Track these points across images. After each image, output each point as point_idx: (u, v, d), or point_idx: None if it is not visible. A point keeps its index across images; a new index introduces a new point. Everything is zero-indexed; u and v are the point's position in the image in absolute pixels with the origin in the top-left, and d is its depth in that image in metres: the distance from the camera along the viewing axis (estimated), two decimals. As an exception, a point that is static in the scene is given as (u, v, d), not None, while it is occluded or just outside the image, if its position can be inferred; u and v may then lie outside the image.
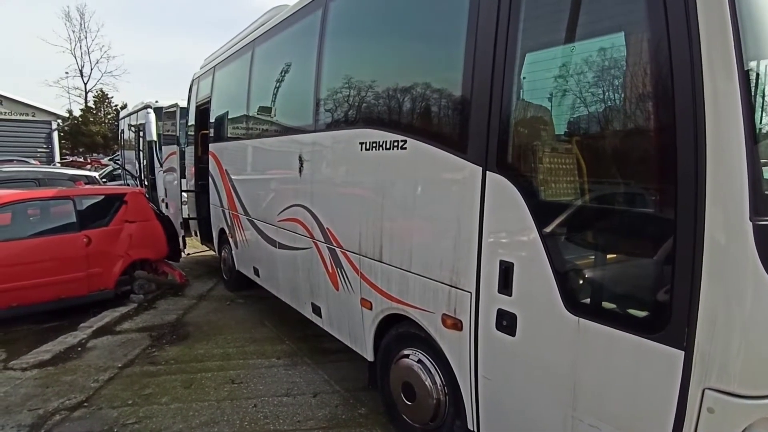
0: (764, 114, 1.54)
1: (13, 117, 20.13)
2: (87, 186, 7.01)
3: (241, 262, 6.01)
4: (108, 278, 5.69)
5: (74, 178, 7.78)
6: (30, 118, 20.64)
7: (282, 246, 4.55)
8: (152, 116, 10.65)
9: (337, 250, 3.55)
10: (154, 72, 62.19)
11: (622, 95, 1.88)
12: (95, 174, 10.57)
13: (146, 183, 11.20)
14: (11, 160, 14.21)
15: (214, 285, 6.87)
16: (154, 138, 10.60)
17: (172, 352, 4.52)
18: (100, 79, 42.34)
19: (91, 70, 39.65)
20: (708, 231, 1.51)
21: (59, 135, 23.43)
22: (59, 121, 23.34)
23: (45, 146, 21.05)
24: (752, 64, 1.50)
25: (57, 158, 21.11)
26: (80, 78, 38.59)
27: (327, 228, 3.68)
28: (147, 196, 7.14)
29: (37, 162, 16.60)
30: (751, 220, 1.47)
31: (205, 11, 69.27)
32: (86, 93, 38.19)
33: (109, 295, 5.72)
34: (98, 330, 5.00)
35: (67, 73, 42.93)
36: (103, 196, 6.06)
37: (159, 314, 5.59)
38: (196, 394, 3.72)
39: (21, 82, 53.44)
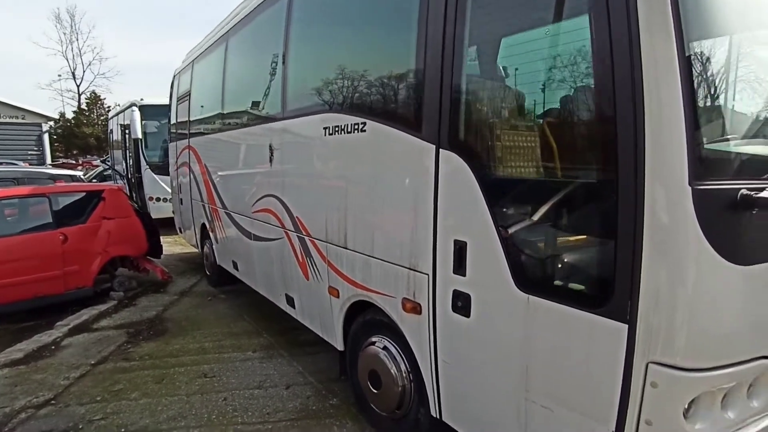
0: (703, 76, 1.48)
1: (2, 120, 19.99)
2: (62, 183, 6.93)
3: (221, 257, 5.94)
4: (86, 276, 5.62)
5: (55, 177, 7.70)
6: (20, 120, 20.50)
7: (257, 238, 4.48)
8: (137, 114, 10.57)
9: (306, 238, 3.49)
10: (147, 73, 62.08)
11: (562, 66, 1.82)
12: (80, 173, 10.48)
13: (133, 181, 11.13)
14: (0, 163, 14.11)
15: (197, 281, 6.80)
16: (139, 136, 10.52)
17: (147, 348, 4.45)
18: (92, 81, 42.49)
19: (84, 72, 39.50)
20: (648, 197, 1.45)
21: (52, 137, 23.29)
22: (50, 123, 23.18)
23: (36, 148, 20.93)
24: (690, 22, 1.44)
25: (48, 160, 20.96)
26: (73, 80, 38.43)
27: (296, 216, 3.62)
28: (133, 193, 6.99)
29: (26, 164, 16.49)
30: (690, 185, 1.41)
31: (200, 12, 69.02)
32: (79, 95, 38.01)
33: (87, 293, 5.65)
34: (74, 328, 4.93)
35: (59, 75, 42.71)
36: (79, 194, 5.99)
37: (138, 311, 5.53)
38: (166, 388, 3.66)
39: (13, 84, 53.33)
